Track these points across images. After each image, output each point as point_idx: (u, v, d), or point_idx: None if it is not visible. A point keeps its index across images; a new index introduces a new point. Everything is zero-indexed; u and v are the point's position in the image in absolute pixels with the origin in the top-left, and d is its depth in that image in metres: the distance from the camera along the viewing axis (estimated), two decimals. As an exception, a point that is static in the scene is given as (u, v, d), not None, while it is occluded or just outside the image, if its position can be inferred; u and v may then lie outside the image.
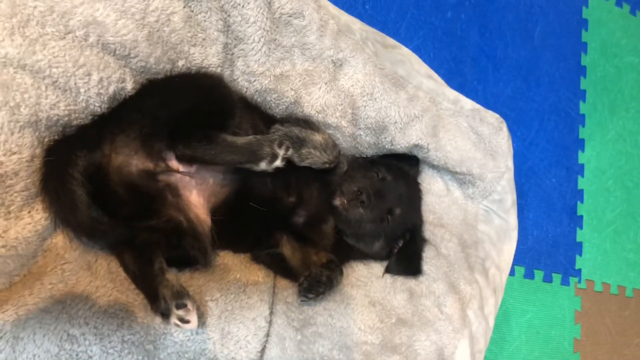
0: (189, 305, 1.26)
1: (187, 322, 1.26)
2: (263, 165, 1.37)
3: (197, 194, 1.44)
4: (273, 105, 1.69)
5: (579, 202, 2.84)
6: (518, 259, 2.72)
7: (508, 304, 2.65)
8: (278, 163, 1.38)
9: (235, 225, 1.50)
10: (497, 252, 1.92)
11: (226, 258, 1.62)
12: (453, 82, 3.01)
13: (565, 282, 2.72)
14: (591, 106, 2.97)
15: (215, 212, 1.47)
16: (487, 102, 3.02)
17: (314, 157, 1.51)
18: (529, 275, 2.72)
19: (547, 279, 2.69)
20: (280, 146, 1.36)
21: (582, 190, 2.87)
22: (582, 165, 2.89)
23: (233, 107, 1.44)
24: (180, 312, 1.25)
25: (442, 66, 2.95)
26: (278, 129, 1.51)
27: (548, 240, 2.74)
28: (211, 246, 1.47)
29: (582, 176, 2.88)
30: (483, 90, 2.71)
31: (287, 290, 1.58)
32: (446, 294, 1.69)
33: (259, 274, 1.60)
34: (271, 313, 1.57)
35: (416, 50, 2.85)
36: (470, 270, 1.81)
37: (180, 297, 1.27)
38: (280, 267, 1.60)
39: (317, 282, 1.45)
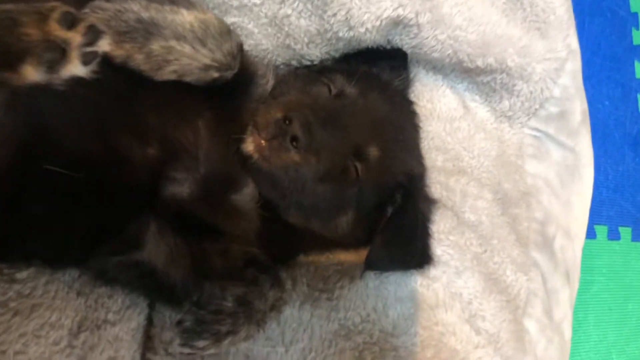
0: None
1: None
2: (33, 74, 0.71)
3: None
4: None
5: (643, 129, 2.36)
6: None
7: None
8: (76, 68, 0.73)
9: (33, 213, 0.87)
10: (563, 205, 1.23)
11: (31, 282, 0.91)
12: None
13: (637, 237, 2.23)
14: (646, 0, 2.43)
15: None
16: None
17: (180, 58, 0.88)
18: (588, 234, 2.14)
19: (613, 236, 2.20)
20: (70, 24, 0.71)
21: (646, 112, 2.37)
22: (642, 80, 2.39)
23: None
24: None
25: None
26: (97, 5, 0.84)
27: (608, 185, 2.23)
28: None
29: (644, 94, 2.37)
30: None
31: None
32: (482, 296, 1.08)
33: (109, 304, 0.97)
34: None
35: None
36: (522, 245, 1.14)
37: None
38: (151, 287, 0.98)
39: (213, 315, 0.90)
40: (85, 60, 0.72)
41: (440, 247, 1.11)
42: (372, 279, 1.09)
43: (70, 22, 0.70)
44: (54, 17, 0.69)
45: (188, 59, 0.88)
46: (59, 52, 0.70)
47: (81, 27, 0.70)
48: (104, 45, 0.75)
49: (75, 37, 0.70)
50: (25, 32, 0.68)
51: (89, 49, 0.72)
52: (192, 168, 0.95)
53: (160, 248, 0.95)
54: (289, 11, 1.05)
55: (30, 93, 0.77)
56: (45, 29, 0.69)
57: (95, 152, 0.88)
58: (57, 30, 0.69)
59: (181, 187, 0.95)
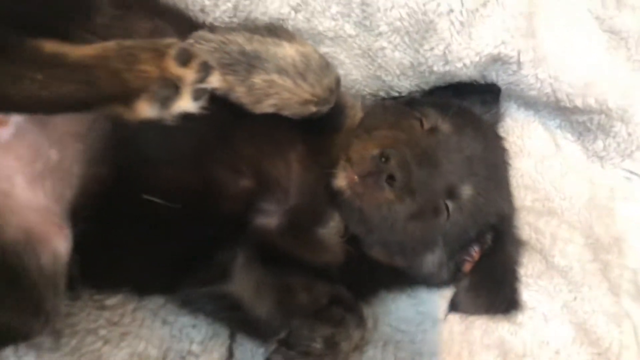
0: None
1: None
2: (146, 111, 0.68)
3: (26, 184, 0.75)
4: (208, 4, 0.95)
5: None
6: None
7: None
8: (186, 104, 0.70)
9: (127, 241, 0.85)
10: (656, 253, 1.14)
11: (120, 309, 0.90)
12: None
13: None
14: None
15: (79, 217, 0.80)
16: None
17: (281, 92, 0.86)
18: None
19: None
20: (185, 60, 0.69)
21: None
22: None
23: None
24: None
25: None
26: (201, 36, 0.84)
27: None
28: (66, 292, 0.78)
29: None
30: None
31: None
32: (572, 347, 0.99)
33: (193, 334, 0.94)
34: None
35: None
36: (613, 294, 1.05)
37: None
38: (236, 320, 0.96)
39: (302, 356, 0.86)
40: (196, 96, 0.69)
41: (527, 292, 1.03)
42: (457, 323, 1.02)
43: (186, 59, 0.68)
44: (170, 54, 0.67)
45: (288, 93, 0.85)
46: (173, 89, 0.67)
47: (195, 64, 0.67)
48: (214, 81, 0.71)
49: (189, 74, 0.68)
50: (144, 68, 0.66)
51: (200, 86, 0.69)
52: (282, 200, 0.92)
53: (247, 280, 0.92)
54: (385, 44, 0.99)
55: (137, 125, 0.73)
56: (162, 66, 0.67)
57: (192, 182, 0.86)
58: (173, 68, 0.66)
59: (270, 218, 0.92)
